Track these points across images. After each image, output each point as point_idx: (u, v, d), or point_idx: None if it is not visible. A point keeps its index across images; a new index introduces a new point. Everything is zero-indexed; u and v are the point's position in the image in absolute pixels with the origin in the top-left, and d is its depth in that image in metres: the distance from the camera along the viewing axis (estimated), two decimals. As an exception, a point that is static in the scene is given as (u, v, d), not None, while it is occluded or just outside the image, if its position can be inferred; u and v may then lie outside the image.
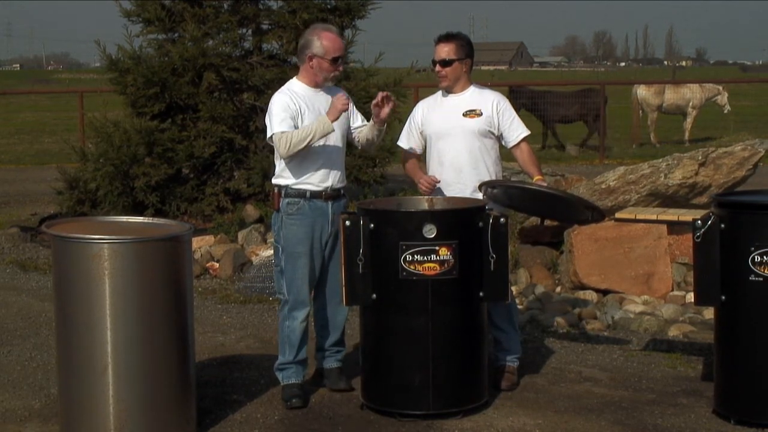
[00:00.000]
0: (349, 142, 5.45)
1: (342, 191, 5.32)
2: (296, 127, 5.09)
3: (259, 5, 10.50)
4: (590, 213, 5.33)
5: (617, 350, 6.19)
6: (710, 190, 7.94)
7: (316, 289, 5.33)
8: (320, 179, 5.19)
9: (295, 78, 5.30)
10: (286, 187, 5.20)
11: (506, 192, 5.30)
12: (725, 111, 21.37)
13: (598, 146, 18.33)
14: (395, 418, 4.94)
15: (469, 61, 5.46)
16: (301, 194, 5.17)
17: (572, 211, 5.44)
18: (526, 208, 5.76)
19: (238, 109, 10.11)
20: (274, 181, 5.29)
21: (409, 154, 5.62)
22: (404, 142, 5.64)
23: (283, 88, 5.27)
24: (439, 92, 5.55)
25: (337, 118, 5.09)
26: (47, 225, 4.86)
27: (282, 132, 5.05)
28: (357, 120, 5.40)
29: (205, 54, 9.78)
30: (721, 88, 21.41)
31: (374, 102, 5.17)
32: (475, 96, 5.47)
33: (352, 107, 5.38)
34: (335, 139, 5.23)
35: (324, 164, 5.19)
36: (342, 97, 5.13)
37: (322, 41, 5.15)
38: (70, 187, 10.23)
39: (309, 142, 5.03)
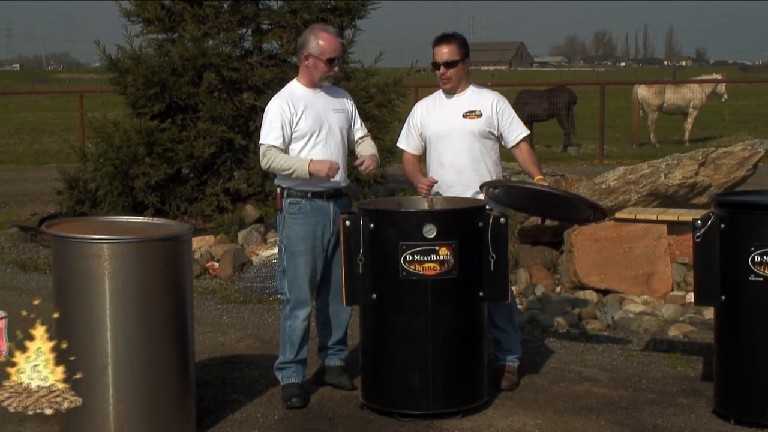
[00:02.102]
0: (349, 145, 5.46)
1: (344, 191, 5.32)
2: (288, 135, 5.11)
3: (259, 5, 10.50)
4: (592, 212, 5.31)
5: (617, 350, 6.19)
6: (710, 190, 7.94)
7: (318, 289, 5.33)
8: (322, 179, 5.19)
9: (295, 79, 5.31)
10: (287, 187, 5.21)
11: (508, 192, 5.29)
12: (723, 99, 21.71)
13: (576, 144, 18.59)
14: (395, 418, 4.94)
15: (468, 60, 5.45)
16: (303, 194, 5.19)
17: (574, 211, 5.43)
18: (528, 208, 5.76)
19: (238, 109, 10.11)
20: (276, 181, 5.32)
21: (408, 156, 5.61)
22: (403, 143, 5.63)
23: (282, 91, 5.28)
24: (438, 92, 5.53)
25: (317, 175, 5.07)
26: (47, 225, 4.86)
27: (269, 146, 5.11)
28: (356, 122, 5.42)
29: (205, 54, 9.78)
30: (719, 77, 21.84)
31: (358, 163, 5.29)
32: (474, 96, 5.45)
33: (353, 109, 5.41)
34: (336, 139, 5.24)
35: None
36: (334, 167, 5.09)
37: (318, 41, 5.15)
38: (70, 187, 10.23)
39: (285, 175, 5.13)
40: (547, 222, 7.00)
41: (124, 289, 4.41)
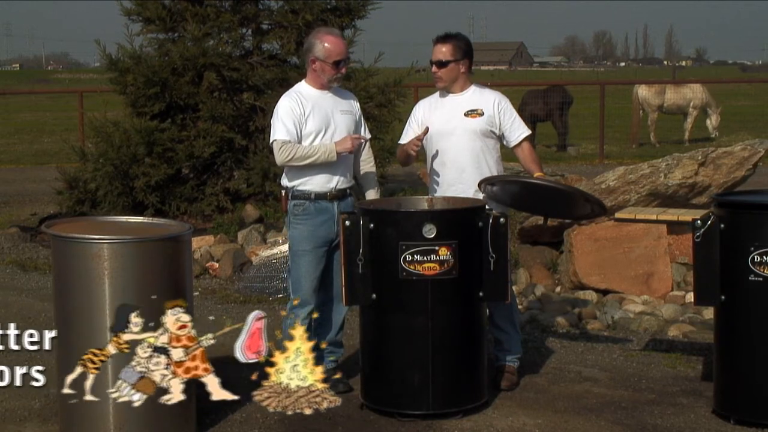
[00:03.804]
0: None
1: (348, 191, 5.34)
2: (299, 132, 5.14)
3: (260, 5, 10.51)
4: (590, 206, 5.29)
5: (617, 350, 6.20)
6: (710, 190, 7.94)
7: (318, 287, 5.34)
8: (324, 180, 5.22)
9: (303, 80, 5.37)
10: (292, 188, 5.25)
11: (505, 188, 5.28)
12: (713, 135, 20.44)
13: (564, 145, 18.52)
14: (395, 418, 4.94)
15: (467, 61, 5.44)
16: (305, 196, 5.23)
17: (572, 206, 5.39)
18: (526, 205, 5.72)
19: (238, 109, 10.11)
20: (282, 182, 5.37)
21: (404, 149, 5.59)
22: (404, 141, 5.62)
23: (290, 90, 5.33)
24: (439, 92, 5.55)
25: (345, 152, 5.15)
26: (47, 225, 4.86)
27: (283, 141, 5.11)
28: (362, 127, 5.42)
29: (205, 54, 9.79)
30: (719, 111, 20.58)
31: None
32: (475, 96, 5.46)
33: (360, 113, 5.44)
34: None
35: (328, 165, 5.21)
36: (356, 139, 5.17)
37: (323, 44, 5.19)
38: (69, 187, 10.24)
39: (309, 162, 5.12)
40: (548, 222, 6.97)
41: (124, 289, 4.41)
